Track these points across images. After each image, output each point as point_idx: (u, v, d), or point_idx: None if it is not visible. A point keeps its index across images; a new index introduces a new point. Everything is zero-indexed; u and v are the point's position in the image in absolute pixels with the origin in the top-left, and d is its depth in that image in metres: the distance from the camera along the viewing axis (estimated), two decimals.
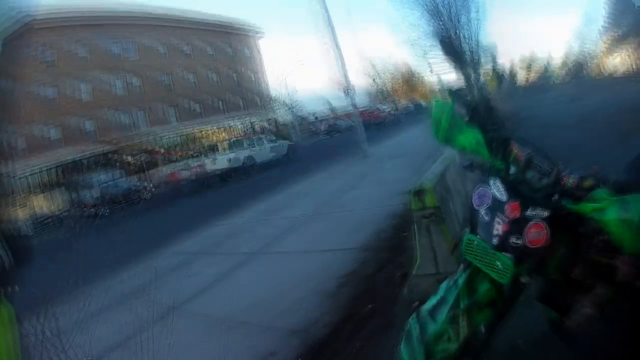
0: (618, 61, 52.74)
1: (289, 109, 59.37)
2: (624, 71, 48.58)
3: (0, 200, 1.40)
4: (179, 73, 50.08)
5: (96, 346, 3.82)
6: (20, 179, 33.59)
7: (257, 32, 63.31)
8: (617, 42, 52.29)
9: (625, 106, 14.06)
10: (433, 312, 2.18)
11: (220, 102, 53.86)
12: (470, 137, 2.28)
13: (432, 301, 2.24)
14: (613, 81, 37.58)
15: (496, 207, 2.09)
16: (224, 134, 51.06)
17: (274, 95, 59.99)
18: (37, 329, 2.59)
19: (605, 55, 55.63)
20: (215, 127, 51.11)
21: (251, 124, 55.62)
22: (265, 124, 58.01)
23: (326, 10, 19.25)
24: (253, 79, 60.50)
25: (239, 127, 54.01)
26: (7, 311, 1.30)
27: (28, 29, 1.45)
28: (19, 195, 31.82)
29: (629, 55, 50.08)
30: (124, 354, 3.98)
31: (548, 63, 60.50)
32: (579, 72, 56.13)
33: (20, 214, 27.01)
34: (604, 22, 54.50)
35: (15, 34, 1.39)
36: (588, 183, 1.99)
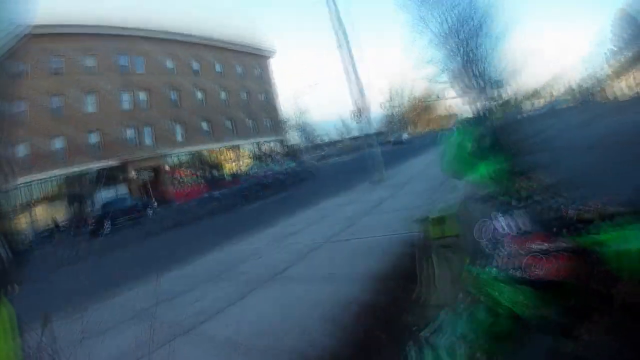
0: (625, 84, 52.76)
1: (300, 130, 59.62)
2: (631, 95, 48.61)
3: (1, 203, 1.43)
4: (188, 90, 50.33)
5: None
6: (20, 188, 33.81)
7: (268, 52, 63.78)
8: (625, 65, 52.36)
9: (635, 131, 14.05)
10: (430, 340, 2.20)
11: (228, 121, 54.02)
12: (476, 169, 2.32)
13: (430, 329, 2.26)
14: (620, 105, 37.55)
15: (498, 239, 2.12)
16: (231, 153, 51.21)
17: (284, 116, 60.27)
18: (33, 345, 2.60)
19: (612, 79, 55.69)
20: (223, 147, 51.18)
21: (259, 145, 55.67)
22: (274, 145, 58.08)
23: (338, 32, 19.40)
24: (263, 98, 60.76)
25: (248, 147, 54.08)
26: (7, 311, 1.32)
27: (24, 45, 1.48)
28: (19, 205, 31.98)
29: (634, 78, 50.13)
30: None
31: (555, 88, 60.61)
32: (586, 96, 56.20)
33: (20, 225, 27.04)
34: (612, 45, 54.66)
35: (11, 50, 1.42)
36: (588, 215, 2.03)
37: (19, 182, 33.65)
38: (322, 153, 54.29)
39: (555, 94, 60.91)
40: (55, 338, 2.76)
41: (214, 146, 50.46)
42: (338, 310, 4.89)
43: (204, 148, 49.23)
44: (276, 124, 60.46)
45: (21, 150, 34.59)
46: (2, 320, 1.29)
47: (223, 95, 54.68)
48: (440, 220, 4.19)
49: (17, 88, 1.53)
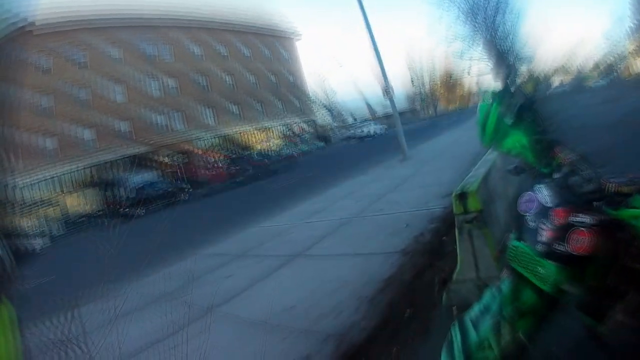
0: None
1: (328, 110, 59.64)
2: None
3: (0, 203, 1.42)
4: (217, 74, 50.68)
5: (129, 348, 3.87)
6: (52, 178, 34.67)
7: (294, 34, 63.76)
8: None
9: None
10: (476, 320, 2.17)
11: (258, 103, 54.34)
12: (516, 140, 2.26)
13: (475, 309, 2.23)
14: None
15: (542, 213, 2.06)
16: (262, 135, 51.60)
17: (313, 97, 60.42)
18: (63, 330, 2.62)
19: (634, 56, 54.47)
20: (253, 128, 51.57)
21: (289, 126, 55.97)
22: (304, 126, 58.31)
23: (364, 12, 19.17)
24: (291, 80, 60.92)
25: (278, 128, 54.43)
26: (8, 311, 1.31)
27: (25, 33, 1.46)
28: (50, 194, 32.85)
29: None
30: (157, 356, 4.02)
31: (581, 64, 59.68)
32: (610, 73, 55.14)
33: (51, 214, 27.76)
34: (631, 22, 53.31)
35: (9, 37, 1.39)
36: (627, 189, 1.97)
37: (50, 174, 34.63)
38: (351, 132, 54.16)
39: (580, 70, 59.89)
40: (84, 321, 2.78)
41: (244, 128, 50.85)
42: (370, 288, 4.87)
43: (235, 130, 49.66)
44: (305, 105, 60.61)
45: (51, 142, 35.49)
46: (2, 320, 1.28)
47: (252, 78, 54.93)
48: (477, 194, 4.12)
49: (17, 74, 1.51)
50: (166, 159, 41.78)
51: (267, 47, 58.37)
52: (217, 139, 47.75)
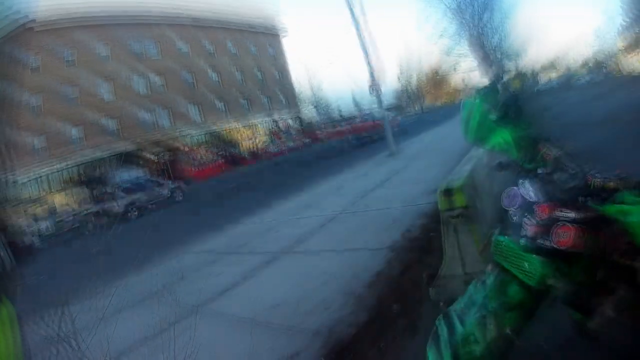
0: (637, 59, 52.09)
1: (314, 107, 59.61)
2: None
3: (0, 202, 1.41)
4: (203, 71, 50.49)
5: (117, 345, 3.85)
6: (40, 177, 34.38)
7: (280, 31, 63.68)
8: (636, 40, 51.66)
9: None
10: (461, 314, 2.18)
11: (244, 100, 54.21)
12: (500, 136, 2.28)
13: (460, 303, 2.25)
14: (633, 79, 37.01)
15: (526, 208, 2.09)
16: (248, 131, 51.50)
17: (299, 93, 60.38)
18: (54, 328, 2.61)
19: (624, 54, 55.04)
20: (239, 125, 51.43)
21: (276, 122, 55.91)
22: (290, 122, 58.28)
23: (351, 9, 19.18)
24: (278, 77, 60.86)
25: (264, 125, 54.36)
26: (8, 311, 1.31)
27: (25, 31, 1.45)
28: (39, 193, 32.60)
29: None
30: (146, 353, 4.00)
31: (569, 61, 60.14)
32: (599, 70, 55.63)
33: (40, 213, 27.56)
34: (623, 20, 53.80)
35: (10, 36, 1.40)
36: (613, 184, 1.98)
37: (39, 172, 34.36)
38: (338, 129, 54.01)
39: (569, 67, 60.38)
40: (75, 319, 2.77)
41: (231, 125, 50.70)
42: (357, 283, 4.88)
43: (221, 127, 49.49)
44: (291, 101, 60.60)
45: (39, 141, 35.16)
46: (2, 320, 1.28)
47: (238, 75, 54.79)
48: (463, 190, 4.15)
49: (16, 73, 1.50)
50: (153, 157, 41.51)
51: (254, 44, 58.21)
52: (203, 136, 47.56)
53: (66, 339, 2.62)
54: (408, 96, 69.87)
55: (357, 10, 19.21)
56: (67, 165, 36.88)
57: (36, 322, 2.55)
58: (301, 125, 58.99)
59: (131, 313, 5.25)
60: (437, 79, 68.67)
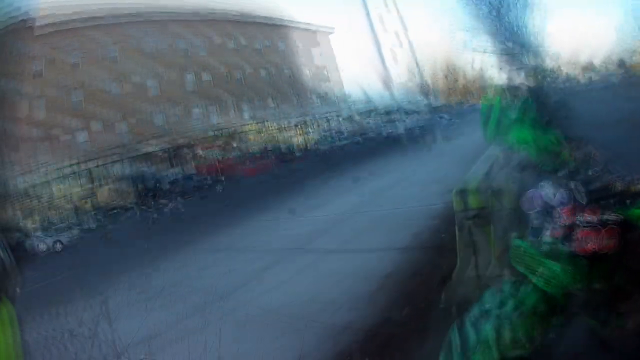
0: None
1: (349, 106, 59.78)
2: None
3: (0, 203, 1.42)
4: (247, 69, 50.90)
5: (130, 339, 3.84)
6: (85, 171, 34.77)
7: (327, 29, 63.94)
8: None
9: None
10: (476, 322, 2.10)
11: (295, 96, 54.56)
12: (519, 135, 2.20)
13: (475, 311, 2.16)
14: None
15: (546, 211, 2.00)
16: (295, 129, 51.82)
17: (342, 91, 60.65)
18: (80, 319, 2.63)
19: None
20: (279, 124, 51.75)
21: (327, 119, 56.10)
22: (337, 119, 58.53)
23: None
24: (326, 74, 61.18)
25: (312, 122, 54.67)
26: (8, 311, 1.30)
27: (25, 27, 1.45)
28: (84, 187, 33.06)
29: None
30: (157, 345, 4.00)
31: (591, 59, 59.54)
32: (622, 68, 54.96)
33: (85, 206, 28.07)
34: None
35: (8, 30, 1.38)
36: (637, 188, 1.90)
37: (84, 167, 34.84)
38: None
39: (593, 65, 59.71)
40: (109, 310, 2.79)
41: (277, 122, 51.05)
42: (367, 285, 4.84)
43: (267, 124, 49.83)
44: (334, 99, 60.87)
45: (82, 137, 35.54)
46: (2, 320, 1.27)
47: (288, 72, 55.27)
48: (479, 191, 4.04)
49: (17, 67, 1.49)
50: (200, 153, 41.73)
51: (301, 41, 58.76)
52: (250, 133, 47.82)
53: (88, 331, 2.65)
54: (424, 93, 69.83)
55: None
56: (112, 160, 37.25)
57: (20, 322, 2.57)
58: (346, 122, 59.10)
59: (145, 308, 5.25)
60: (453, 76, 68.52)
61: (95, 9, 35.66)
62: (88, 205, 29.35)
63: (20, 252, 1.39)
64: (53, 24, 28.98)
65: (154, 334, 4.60)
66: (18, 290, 1.37)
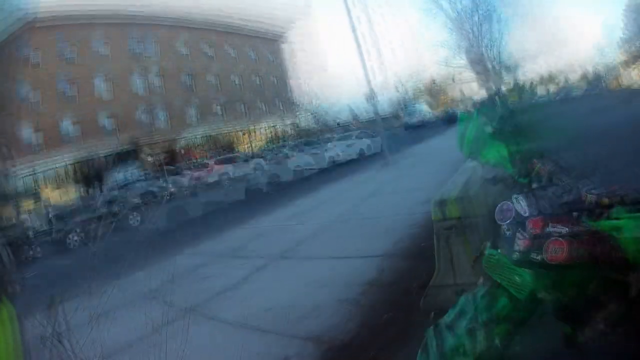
0: (637, 73, 51.95)
1: (312, 114, 59.43)
2: None
3: (0, 202, 1.41)
4: (202, 75, 50.60)
5: (107, 346, 3.83)
6: (36, 174, 34.12)
7: (280, 37, 63.86)
8: (637, 53, 51.59)
9: None
10: (451, 325, 2.19)
11: (242, 105, 54.30)
12: (495, 150, 2.29)
13: (450, 314, 2.25)
14: (633, 93, 36.90)
15: (519, 222, 2.08)
16: (245, 136, 51.55)
17: (297, 100, 60.35)
18: (47, 327, 2.60)
19: (624, 67, 54.90)
20: (237, 130, 51.48)
21: (273, 128, 55.96)
22: (288, 129, 58.29)
23: (350, 17, 19.27)
24: (276, 83, 61.03)
25: (261, 130, 54.45)
26: (7, 311, 1.31)
27: (26, 30, 1.45)
28: (34, 190, 32.36)
29: None
30: (136, 355, 3.99)
31: (567, 75, 59.98)
32: (598, 83, 55.44)
33: (34, 210, 27.41)
34: (623, 33, 53.81)
35: (12, 36, 1.39)
36: (607, 200, 1.98)
37: (33, 169, 34.14)
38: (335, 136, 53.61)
39: (568, 80, 60.21)
40: (67, 318, 2.76)
41: (228, 129, 50.72)
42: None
43: (218, 131, 49.52)
44: (288, 108, 60.59)
45: (35, 137, 34.95)
46: (2, 320, 1.28)
47: (236, 79, 55.03)
48: (456, 202, 4.15)
49: (19, 72, 1.50)
50: (150, 157, 41.32)
51: (252, 49, 58.54)
52: (201, 138, 47.52)
53: (58, 339, 2.61)
54: (405, 106, 69.81)
55: (355, 19, 19.34)
56: (65, 162, 36.67)
57: (32, 321, 2.54)
58: (297, 132, 58.83)
59: (122, 314, 5.18)
60: (434, 90, 68.66)
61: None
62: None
63: (20, 252, 1.39)
64: None
65: (130, 342, 4.62)
66: (18, 289, 1.38)
